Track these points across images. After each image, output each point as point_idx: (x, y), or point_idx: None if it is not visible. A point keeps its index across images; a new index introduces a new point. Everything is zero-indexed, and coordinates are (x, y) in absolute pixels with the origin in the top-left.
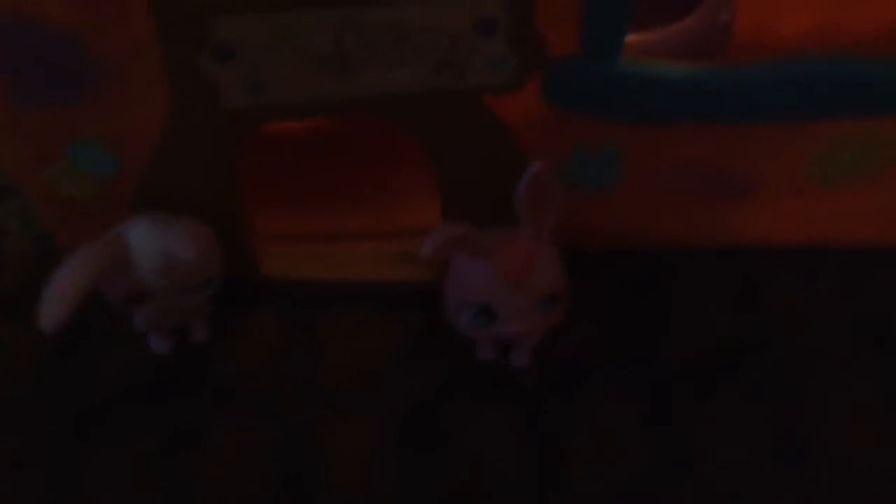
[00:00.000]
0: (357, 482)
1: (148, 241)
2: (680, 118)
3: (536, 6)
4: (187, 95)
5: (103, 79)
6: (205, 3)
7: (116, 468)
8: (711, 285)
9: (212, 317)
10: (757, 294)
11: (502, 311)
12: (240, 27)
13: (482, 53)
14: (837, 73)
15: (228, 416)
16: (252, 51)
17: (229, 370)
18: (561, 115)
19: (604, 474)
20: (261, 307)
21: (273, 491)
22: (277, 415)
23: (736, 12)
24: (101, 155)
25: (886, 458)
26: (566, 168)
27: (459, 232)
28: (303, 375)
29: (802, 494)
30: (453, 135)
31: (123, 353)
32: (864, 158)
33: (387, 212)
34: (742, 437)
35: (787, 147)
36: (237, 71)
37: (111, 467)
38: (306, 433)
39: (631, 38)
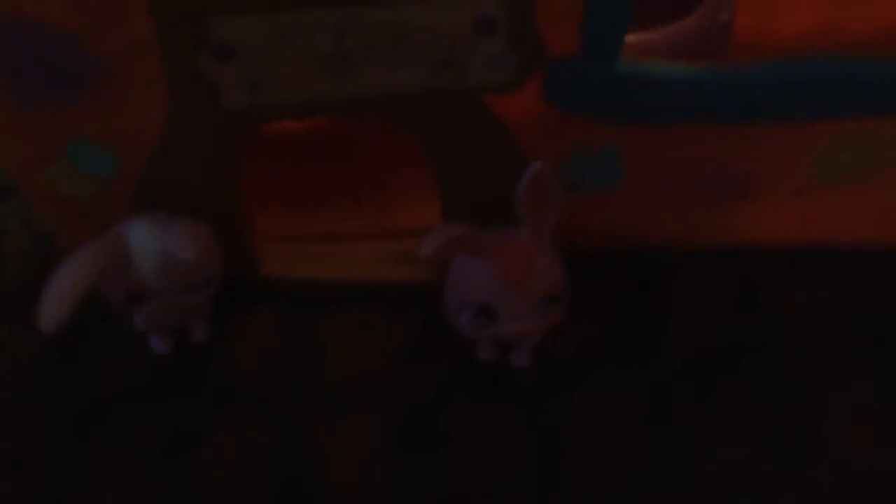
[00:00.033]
0: (357, 482)
1: (148, 241)
2: (680, 118)
3: (536, 6)
4: (187, 95)
5: (103, 79)
6: (204, 3)
7: (116, 468)
8: (711, 285)
9: (212, 317)
10: (757, 294)
11: (502, 312)
12: (239, 27)
13: (482, 53)
14: (837, 74)
15: (228, 417)
16: (252, 51)
17: (229, 370)
18: (561, 115)
19: (604, 474)
20: (261, 307)
21: (273, 491)
22: (277, 415)
23: (736, 12)
24: (100, 155)
25: (886, 457)
26: (566, 168)
27: (459, 232)
28: (303, 375)
29: (802, 494)
30: (453, 135)
31: (123, 353)
32: (865, 158)
33: (387, 212)
34: (742, 438)
35: (787, 147)
36: (237, 71)
37: (111, 467)
38: (306, 433)
39: (631, 37)
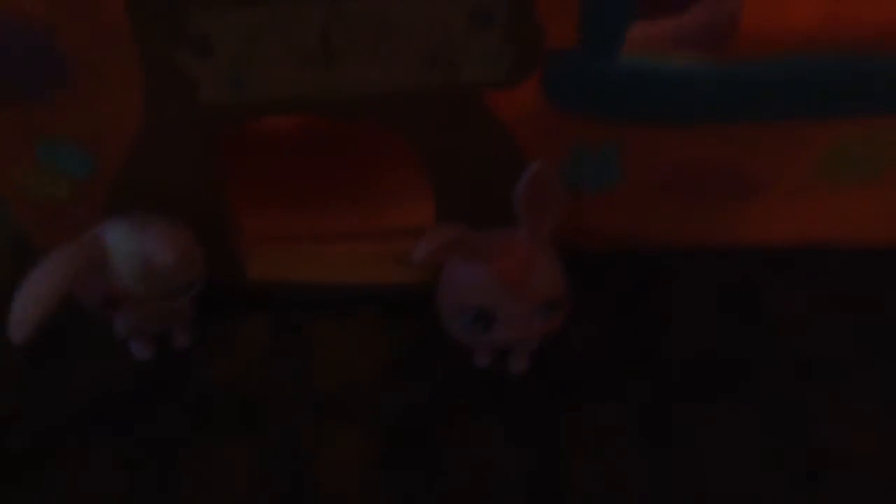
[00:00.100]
0: (347, 496)
1: (125, 244)
2: (683, 116)
3: None
4: (165, 91)
5: (76, 74)
6: None
7: (94, 480)
8: (713, 287)
9: (195, 322)
10: (758, 296)
11: (500, 317)
12: (218, 19)
13: (477, 47)
14: (844, 70)
15: (212, 427)
16: (232, 44)
17: (213, 378)
18: (559, 113)
19: (604, 484)
20: (247, 312)
21: None
22: (264, 425)
23: (742, 4)
24: (74, 154)
25: (888, 463)
26: (565, 167)
27: (454, 235)
28: (290, 383)
29: (804, 496)
30: (447, 134)
31: (102, 361)
32: (871, 157)
33: (380, 212)
34: (742, 440)
35: (792, 145)
36: (216, 66)
37: (89, 479)
38: (294, 444)
39: (632, 31)
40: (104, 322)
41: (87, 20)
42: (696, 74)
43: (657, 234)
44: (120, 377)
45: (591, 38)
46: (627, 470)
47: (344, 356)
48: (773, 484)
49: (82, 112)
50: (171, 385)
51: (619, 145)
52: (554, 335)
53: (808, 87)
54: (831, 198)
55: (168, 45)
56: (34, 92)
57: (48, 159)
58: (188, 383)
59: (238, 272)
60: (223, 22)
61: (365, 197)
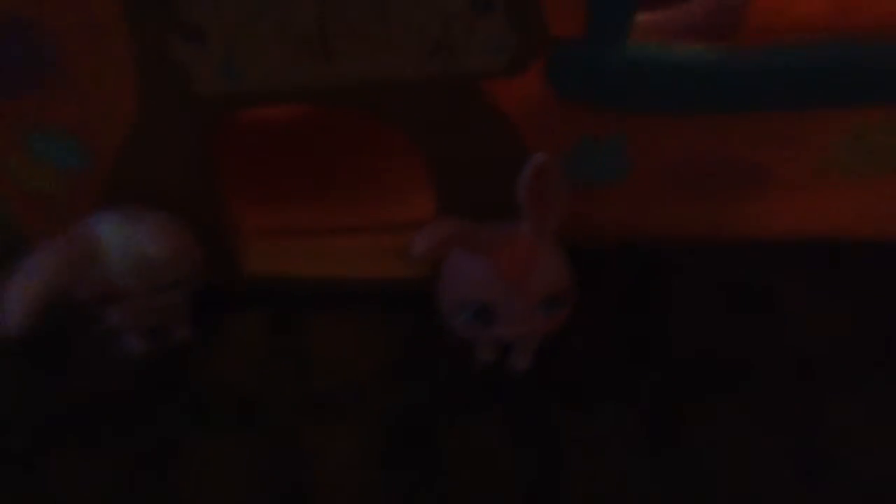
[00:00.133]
0: (346, 495)
1: (117, 238)
2: (691, 106)
3: None
4: (158, 80)
5: (67, 64)
6: None
7: (93, 480)
8: (718, 283)
9: (192, 318)
10: (765, 293)
11: (501, 313)
12: (211, 5)
13: (479, 34)
14: (855, 58)
15: (211, 426)
16: (225, 32)
17: (212, 377)
18: (564, 103)
19: (604, 481)
20: (244, 307)
21: None
22: (262, 424)
23: None
24: (65, 146)
25: (892, 462)
26: (569, 159)
27: (455, 229)
28: (289, 381)
29: (806, 496)
30: (447, 124)
31: (96, 357)
32: (884, 148)
33: (381, 204)
34: (744, 440)
35: (803, 136)
36: (210, 53)
37: (88, 479)
38: (293, 443)
39: (639, 19)
40: (98, 318)
41: (77, 8)
42: (704, 63)
43: (664, 228)
44: (119, 376)
45: (596, 27)
46: (628, 470)
47: (343, 354)
48: (775, 484)
49: (74, 103)
50: (170, 384)
51: (626, 137)
52: (556, 332)
53: (817, 76)
54: (847, 190)
55: (160, 32)
56: (23, 81)
57: (38, 152)
58: (187, 382)
59: (235, 267)
60: (216, 8)
61: (365, 190)
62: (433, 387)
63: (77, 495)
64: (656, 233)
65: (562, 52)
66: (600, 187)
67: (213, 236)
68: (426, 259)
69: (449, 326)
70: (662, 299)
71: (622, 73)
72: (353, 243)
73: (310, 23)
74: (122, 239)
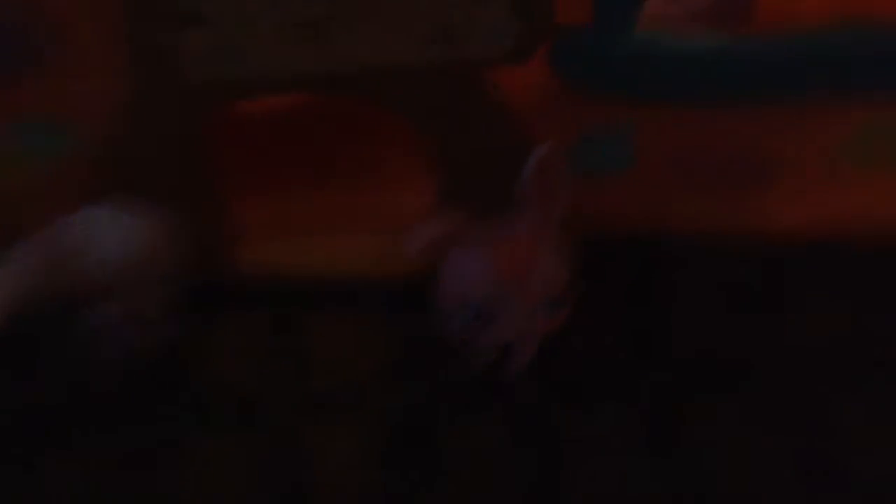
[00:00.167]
0: (346, 495)
1: (99, 233)
2: (700, 96)
3: None
4: (149, 67)
5: (53, 48)
6: None
7: (88, 480)
8: (722, 280)
9: (182, 317)
10: (776, 289)
11: (500, 314)
12: None
13: (482, 20)
14: (868, 46)
15: (205, 427)
16: (220, 15)
17: (210, 376)
18: (569, 92)
19: (604, 481)
20: (244, 306)
21: None
22: (261, 423)
23: None
24: (51, 136)
25: (891, 462)
26: (574, 150)
27: (451, 227)
28: (288, 381)
29: (808, 497)
30: (449, 114)
31: (84, 357)
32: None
33: (381, 203)
34: (745, 440)
35: (813, 129)
36: (204, 38)
37: (82, 479)
38: (292, 443)
39: (647, 6)
40: (84, 316)
41: None
42: (713, 52)
43: (671, 222)
44: (114, 375)
45: (603, 14)
46: (628, 470)
47: (343, 354)
48: (775, 484)
49: (60, 90)
50: (167, 384)
51: (632, 127)
52: (556, 332)
53: (827, 65)
54: (858, 185)
55: (153, 16)
56: (6, 67)
57: (22, 142)
58: (187, 382)
59: (227, 264)
60: None
61: (368, 186)
62: (433, 387)
63: (71, 496)
64: (661, 226)
65: (567, 39)
66: (605, 179)
67: (206, 231)
68: (423, 256)
69: (446, 327)
70: (664, 297)
71: (629, 62)
72: (350, 241)
73: (307, 8)
74: (105, 234)
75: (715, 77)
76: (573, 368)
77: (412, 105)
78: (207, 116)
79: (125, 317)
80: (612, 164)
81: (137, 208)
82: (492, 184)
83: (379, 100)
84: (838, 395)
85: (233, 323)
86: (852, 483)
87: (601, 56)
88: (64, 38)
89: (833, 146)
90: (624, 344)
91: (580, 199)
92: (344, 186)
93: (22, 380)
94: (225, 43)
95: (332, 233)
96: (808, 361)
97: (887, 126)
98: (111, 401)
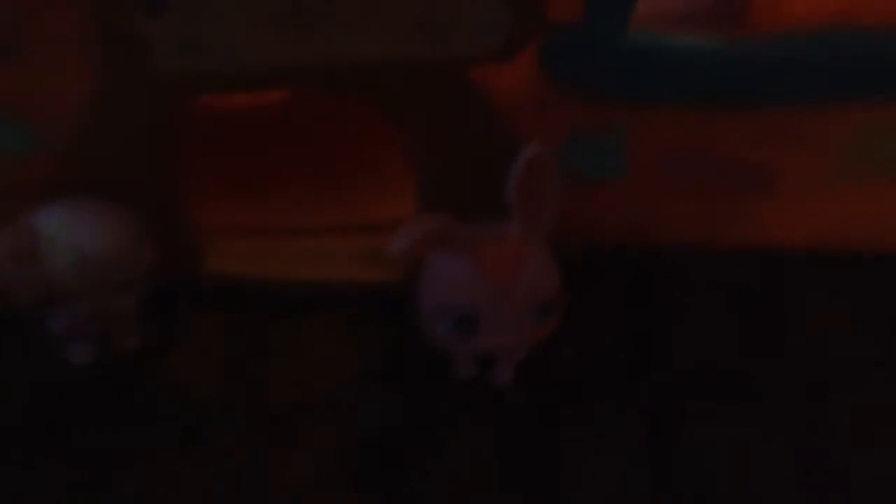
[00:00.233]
0: None
1: (60, 233)
2: (695, 98)
3: None
4: (115, 57)
5: (17, 43)
6: None
7: (25, 498)
8: (720, 290)
9: (144, 323)
10: (773, 301)
11: (486, 321)
12: None
13: (469, 14)
14: (867, 49)
15: (158, 441)
16: (191, 3)
17: (161, 386)
18: (560, 93)
19: (604, 481)
20: (203, 311)
21: None
22: (216, 441)
23: None
24: (11, 133)
25: (891, 462)
26: (563, 154)
27: (437, 226)
28: (248, 394)
29: (806, 497)
30: (432, 112)
31: (36, 365)
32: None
33: (357, 202)
34: (745, 440)
35: (810, 135)
36: (173, 26)
37: (17, 498)
38: (249, 464)
39: (641, 5)
40: (39, 322)
41: None
42: (708, 53)
43: (663, 231)
44: (57, 384)
45: (596, 11)
46: (628, 470)
47: (309, 364)
48: (775, 484)
49: (19, 83)
50: (112, 393)
51: (625, 131)
52: (544, 343)
53: (825, 67)
54: (861, 195)
55: (121, 3)
56: None
57: None
58: (133, 393)
59: (193, 267)
60: None
61: (343, 186)
62: (408, 402)
63: None
64: (655, 235)
65: (559, 37)
66: (596, 185)
67: (172, 232)
68: (405, 259)
69: (428, 336)
70: (662, 308)
71: (622, 62)
72: (322, 244)
73: None
74: (66, 235)
75: (710, 79)
76: (573, 369)
77: (394, 102)
78: (177, 111)
79: (90, 317)
80: (603, 170)
81: (104, 207)
82: (477, 186)
83: (359, 96)
84: (838, 395)
85: (198, 328)
86: (852, 483)
87: (593, 55)
88: (29, 32)
89: (828, 156)
90: (620, 357)
91: (569, 206)
92: (321, 186)
93: None
94: (196, 33)
95: (307, 234)
96: (807, 362)
97: (886, 131)
98: (61, 412)
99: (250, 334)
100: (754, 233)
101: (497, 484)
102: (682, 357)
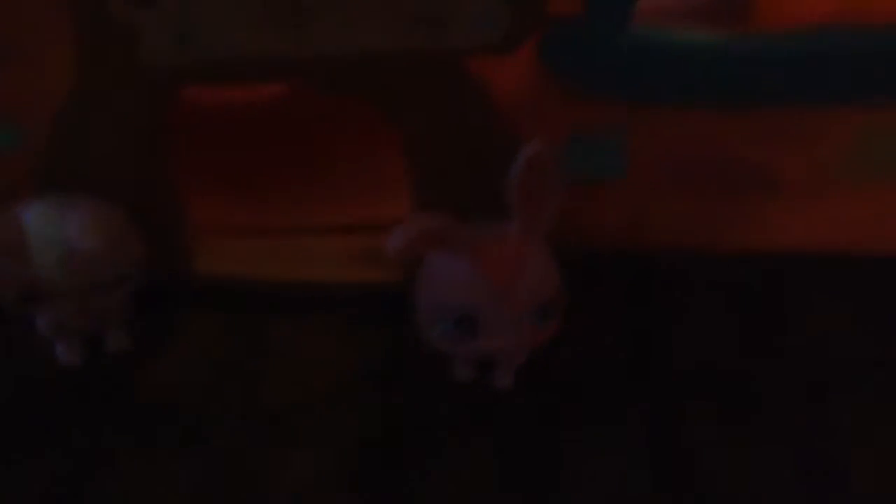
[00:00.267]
0: None
1: (44, 228)
2: (697, 95)
3: None
4: (101, 49)
5: (2, 41)
6: None
7: (8, 500)
8: (721, 294)
9: (133, 322)
10: (774, 305)
11: (485, 323)
12: None
13: (467, 6)
14: (872, 48)
15: (147, 444)
16: None
17: (151, 388)
18: (560, 90)
19: (604, 481)
20: (194, 312)
21: None
22: (208, 444)
23: None
24: (2, 130)
25: (892, 463)
26: (563, 153)
27: (435, 224)
28: (242, 395)
29: (806, 497)
30: (430, 108)
31: (21, 364)
32: None
33: (354, 201)
34: (745, 440)
35: (813, 136)
36: (161, 18)
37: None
38: (243, 467)
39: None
40: (25, 320)
41: None
42: (711, 50)
43: (664, 234)
44: (43, 383)
45: (597, 5)
46: (628, 470)
47: (305, 366)
48: (775, 484)
49: (9, 80)
50: (101, 393)
51: (626, 130)
52: (544, 347)
53: (830, 66)
54: (864, 197)
55: None
56: None
57: None
58: (122, 395)
59: (184, 265)
60: None
61: (339, 185)
62: (406, 405)
63: None
64: (655, 238)
65: (559, 32)
66: (596, 186)
67: (161, 230)
68: (402, 258)
69: (426, 338)
70: (662, 312)
71: (622, 58)
72: (318, 244)
73: None
74: (50, 229)
75: (712, 77)
76: (573, 370)
77: (391, 96)
78: (163, 105)
79: (77, 315)
80: (602, 170)
81: (91, 202)
82: (476, 184)
83: (354, 89)
84: (838, 395)
85: (188, 328)
86: (852, 483)
87: (593, 51)
88: (14, 29)
89: (830, 158)
90: (624, 346)
91: (569, 206)
92: (320, 186)
93: None
94: (185, 21)
95: (306, 234)
96: (807, 362)
97: (887, 134)
98: (45, 412)
99: (250, 334)
100: (755, 234)
101: (497, 484)
102: (682, 357)
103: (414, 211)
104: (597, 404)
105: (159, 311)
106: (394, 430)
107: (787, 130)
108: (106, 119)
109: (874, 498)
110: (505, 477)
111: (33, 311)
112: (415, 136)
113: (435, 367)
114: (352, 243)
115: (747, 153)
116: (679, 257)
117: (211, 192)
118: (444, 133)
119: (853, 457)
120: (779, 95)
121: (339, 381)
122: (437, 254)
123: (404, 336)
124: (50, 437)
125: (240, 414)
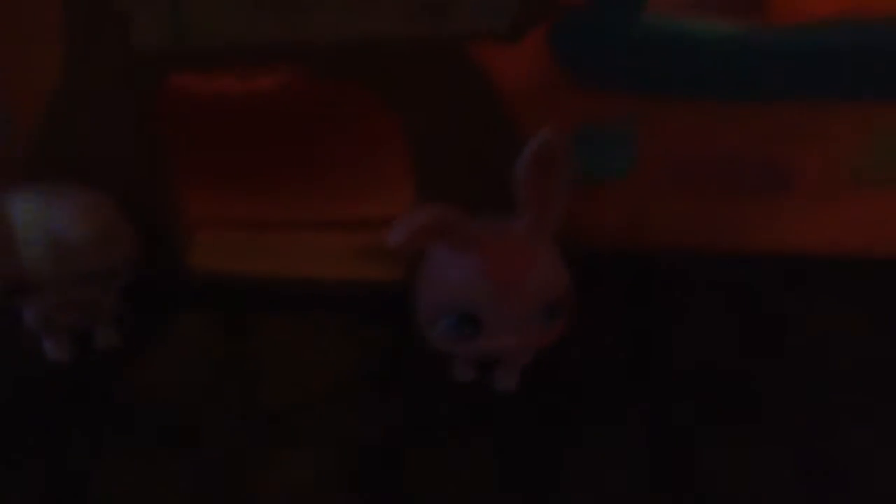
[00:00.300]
0: None
1: (30, 217)
2: (711, 89)
3: None
4: (91, 34)
5: None
6: None
7: None
8: (723, 296)
9: (123, 318)
10: (777, 300)
11: (489, 322)
12: None
13: None
14: (887, 43)
15: (136, 445)
16: None
17: (141, 387)
18: (567, 81)
19: (604, 481)
20: (186, 308)
21: None
22: (200, 446)
23: None
24: None
25: (892, 463)
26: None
27: (438, 217)
28: (235, 396)
29: (806, 498)
30: (434, 96)
31: (9, 361)
32: None
33: (353, 197)
34: (745, 440)
35: (831, 134)
36: (153, 1)
37: None
38: (235, 470)
39: None
40: (11, 313)
41: None
42: (725, 41)
43: (664, 234)
44: (31, 381)
45: None
46: (628, 470)
47: (305, 366)
48: (775, 484)
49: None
50: (91, 392)
51: (635, 124)
52: (549, 348)
53: (845, 60)
54: (877, 199)
55: None
56: None
57: None
58: (110, 394)
59: (177, 260)
60: None
61: (338, 180)
62: (404, 410)
63: None
64: (663, 237)
65: (569, 21)
66: (602, 183)
67: (153, 222)
68: (404, 251)
69: (427, 337)
70: (665, 313)
71: (633, 48)
72: (317, 239)
73: None
74: (36, 219)
75: (725, 69)
76: (573, 370)
77: (393, 85)
78: (157, 92)
79: (64, 308)
80: (609, 166)
81: (80, 192)
82: (479, 177)
83: (356, 78)
84: (838, 395)
85: (196, 326)
86: (852, 483)
87: (603, 41)
88: (3, 17)
89: (845, 158)
90: (624, 346)
91: (573, 203)
92: (320, 181)
93: None
94: (178, 6)
95: (306, 230)
96: (807, 362)
97: None
98: (33, 413)
99: (249, 333)
100: (766, 242)
101: (497, 484)
102: (682, 357)
103: (416, 202)
104: (597, 404)
105: (157, 309)
106: (394, 430)
107: (801, 128)
108: (97, 108)
109: (874, 498)
110: (505, 477)
111: (20, 304)
112: (417, 126)
113: (435, 367)
114: (351, 240)
115: (758, 151)
116: (679, 257)
117: (208, 186)
118: (446, 122)
119: (853, 457)
120: (792, 90)
121: (339, 381)
122: (439, 249)
123: (405, 335)
124: (49, 437)
125: (239, 414)
